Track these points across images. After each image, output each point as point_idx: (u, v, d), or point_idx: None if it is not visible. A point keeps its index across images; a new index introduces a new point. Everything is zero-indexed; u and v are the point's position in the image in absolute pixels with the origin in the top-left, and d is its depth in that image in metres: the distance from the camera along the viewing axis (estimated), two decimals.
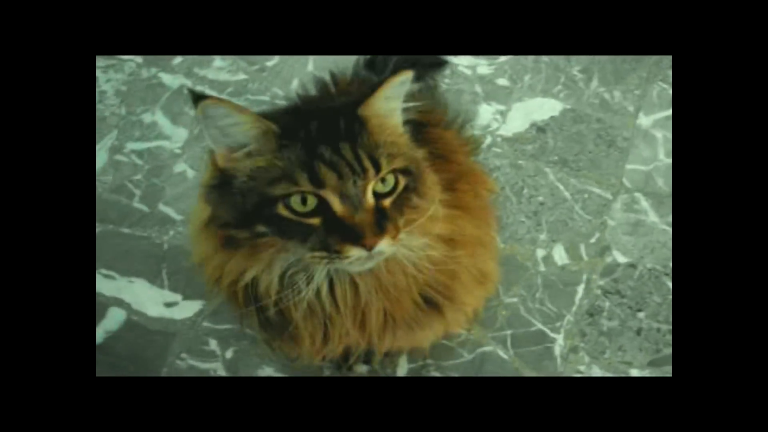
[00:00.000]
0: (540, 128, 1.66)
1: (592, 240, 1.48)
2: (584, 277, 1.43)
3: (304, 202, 0.83)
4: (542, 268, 1.45)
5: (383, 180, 0.86)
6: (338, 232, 0.84)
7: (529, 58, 1.78)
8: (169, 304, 1.39)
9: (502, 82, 1.74)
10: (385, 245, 0.85)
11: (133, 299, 1.40)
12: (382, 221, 0.85)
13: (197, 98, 0.81)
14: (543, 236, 1.49)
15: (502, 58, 1.78)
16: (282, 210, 0.84)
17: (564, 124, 1.66)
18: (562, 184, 1.56)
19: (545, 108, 1.70)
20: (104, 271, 1.43)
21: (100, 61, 1.77)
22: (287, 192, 0.83)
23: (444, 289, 1.06)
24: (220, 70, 1.77)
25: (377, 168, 0.84)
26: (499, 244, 1.47)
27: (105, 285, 1.41)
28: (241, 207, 0.87)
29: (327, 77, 1.28)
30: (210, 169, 0.92)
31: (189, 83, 1.73)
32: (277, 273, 0.93)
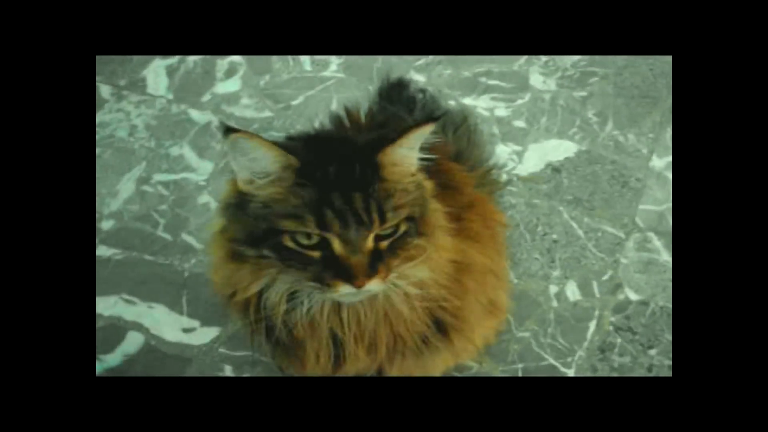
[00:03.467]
0: (555, 168, 1.64)
1: (605, 277, 1.45)
2: (596, 313, 1.40)
3: (308, 237, 0.86)
4: (555, 303, 1.41)
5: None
6: (333, 269, 0.86)
7: (546, 101, 1.77)
8: (186, 330, 1.37)
9: (519, 123, 1.73)
10: (374, 285, 0.88)
11: (152, 324, 1.38)
12: (376, 263, 0.87)
13: (228, 130, 0.83)
14: (556, 273, 1.46)
15: (520, 101, 1.77)
16: (287, 241, 0.87)
17: (579, 165, 1.64)
18: (576, 222, 1.53)
19: (560, 149, 1.68)
20: (125, 296, 1.41)
21: (132, 96, 1.78)
22: (294, 229, 0.86)
23: (453, 311, 1.05)
24: (246, 107, 1.77)
25: (383, 220, 0.86)
26: (513, 279, 1.44)
27: (126, 310, 1.40)
28: (251, 229, 0.89)
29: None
30: (230, 187, 0.94)
31: (216, 120, 1.73)
32: (281, 290, 0.94)
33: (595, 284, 1.44)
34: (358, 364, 1.05)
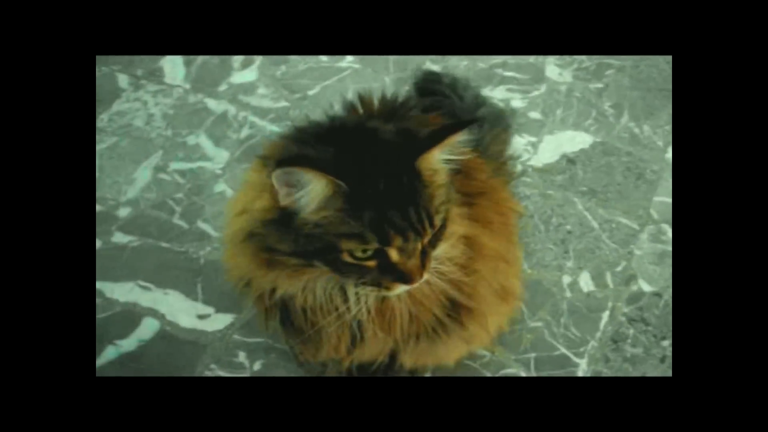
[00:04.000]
0: (570, 160, 1.63)
1: (619, 268, 1.44)
2: (609, 304, 1.39)
3: (365, 251, 0.88)
4: (568, 294, 1.40)
5: None
6: (391, 275, 0.90)
7: (562, 93, 1.76)
8: (201, 316, 1.38)
9: (535, 115, 1.72)
10: (424, 279, 0.92)
11: (167, 310, 1.38)
12: (425, 261, 0.91)
13: (278, 164, 0.83)
14: (570, 263, 1.45)
15: (535, 93, 1.76)
16: (346, 257, 0.88)
17: (594, 157, 1.63)
18: (590, 213, 1.52)
19: (576, 141, 1.67)
20: (142, 283, 1.42)
21: (150, 86, 1.79)
22: (356, 247, 0.87)
23: (467, 291, 1.05)
24: (263, 97, 1.77)
25: (432, 227, 0.89)
26: (526, 269, 1.43)
27: (141, 296, 1.40)
28: (303, 246, 0.89)
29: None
30: (269, 206, 0.91)
31: (233, 109, 1.74)
32: (315, 294, 0.97)
33: (608, 275, 1.43)
34: (373, 347, 1.06)
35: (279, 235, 0.90)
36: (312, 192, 0.85)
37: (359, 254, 0.88)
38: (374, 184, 0.86)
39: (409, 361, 1.20)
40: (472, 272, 1.06)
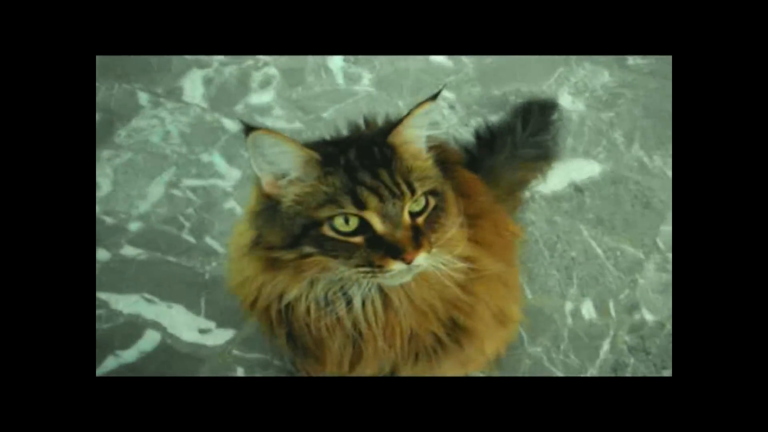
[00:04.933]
0: (578, 188, 1.61)
1: (622, 296, 1.41)
2: (611, 332, 1.36)
3: (347, 222, 0.87)
4: (569, 321, 1.38)
5: (416, 200, 0.89)
6: (381, 249, 0.87)
7: (573, 122, 1.75)
8: (202, 331, 1.38)
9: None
10: (422, 258, 0.88)
11: (169, 323, 1.39)
12: (418, 237, 0.88)
13: (249, 129, 0.85)
14: (573, 290, 1.43)
15: None
16: (327, 231, 0.87)
17: (602, 185, 1.61)
18: (596, 241, 1.51)
19: (585, 169, 1.65)
20: (147, 296, 1.43)
21: (168, 104, 1.81)
22: (332, 214, 0.87)
23: (467, 310, 1.04)
24: (278, 118, 1.79)
25: (412, 190, 0.88)
26: (528, 295, 1.42)
27: (145, 308, 1.41)
28: (288, 229, 0.90)
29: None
30: (256, 195, 0.95)
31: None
32: (318, 293, 0.95)
33: (611, 303, 1.41)
34: (374, 363, 1.06)
35: (270, 226, 0.91)
36: (284, 160, 0.88)
37: (341, 227, 0.87)
38: (346, 154, 0.89)
39: (407, 374, 1.19)
40: (471, 293, 1.05)
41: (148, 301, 1.42)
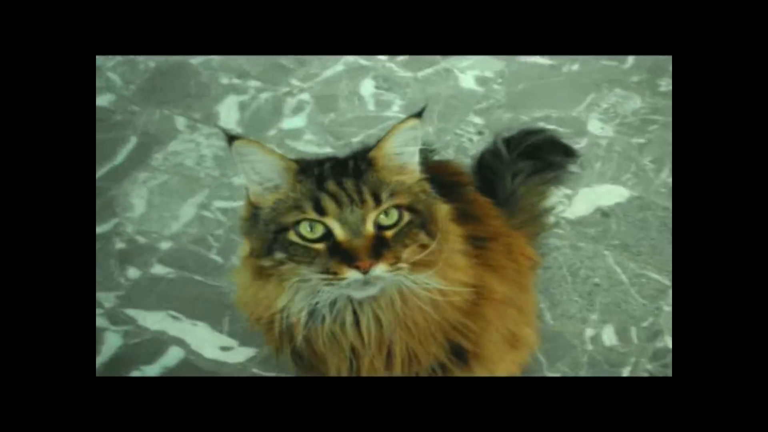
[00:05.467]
0: (604, 213, 1.59)
1: (645, 324, 1.39)
2: (632, 360, 1.34)
3: (311, 229, 0.89)
4: (589, 347, 1.36)
5: (386, 213, 0.89)
6: (337, 255, 0.88)
7: (602, 147, 1.73)
8: (224, 348, 1.40)
9: (573, 167, 1.69)
10: (381, 270, 0.87)
11: (193, 340, 1.41)
12: (380, 248, 0.88)
13: (231, 138, 0.89)
14: (594, 316, 1.41)
15: (575, 147, 1.73)
16: (293, 236, 0.90)
17: (629, 211, 1.59)
18: (620, 267, 1.49)
19: (612, 194, 1.63)
20: (173, 313, 1.46)
21: (204, 129, 1.86)
22: (297, 219, 0.89)
23: (472, 337, 1.04)
24: (309, 142, 1.82)
25: (377, 201, 0.89)
26: (549, 320, 1.40)
27: (170, 325, 1.44)
28: (264, 235, 0.93)
29: None
30: (245, 204, 0.98)
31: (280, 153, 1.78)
32: (302, 302, 0.95)
33: (633, 330, 1.38)
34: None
35: (255, 234, 0.94)
36: (263, 168, 0.91)
37: (307, 233, 0.89)
38: (322, 166, 0.92)
39: None
40: (478, 317, 1.05)
41: (174, 318, 1.45)
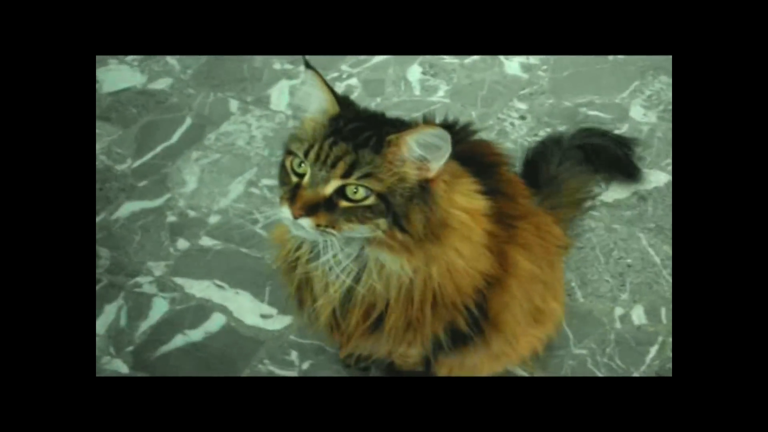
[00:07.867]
0: (642, 197, 1.59)
1: None
2: (660, 339, 1.34)
3: (299, 165, 0.95)
4: (618, 325, 1.37)
5: (356, 189, 0.92)
6: (291, 192, 0.95)
7: (644, 133, 1.72)
8: (264, 316, 1.45)
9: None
10: (306, 223, 0.92)
11: (235, 308, 1.47)
12: (320, 209, 0.93)
13: (308, 65, 0.98)
14: (624, 296, 1.41)
15: (616, 132, 1.72)
16: (286, 161, 0.97)
17: (667, 195, 1.58)
18: (654, 249, 1.48)
19: (651, 179, 1.63)
20: (217, 281, 1.52)
21: (256, 111, 1.91)
22: (292, 149, 0.96)
23: (488, 308, 1.07)
24: None
25: (347, 175, 0.92)
26: (579, 298, 1.41)
27: (215, 293, 1.50)
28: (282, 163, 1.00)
29: None
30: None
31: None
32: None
33: (663, 311, 1.38)
34: (361, 341, 1.11)
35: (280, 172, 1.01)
36: (316, 99, 0.98)
37: (295, 166, 0.95)
38: (348, 123, 0.95)
39: (442, 371, 1.21)
40: (503, 291, 1.07)
41: (219, 286, 1.51)
